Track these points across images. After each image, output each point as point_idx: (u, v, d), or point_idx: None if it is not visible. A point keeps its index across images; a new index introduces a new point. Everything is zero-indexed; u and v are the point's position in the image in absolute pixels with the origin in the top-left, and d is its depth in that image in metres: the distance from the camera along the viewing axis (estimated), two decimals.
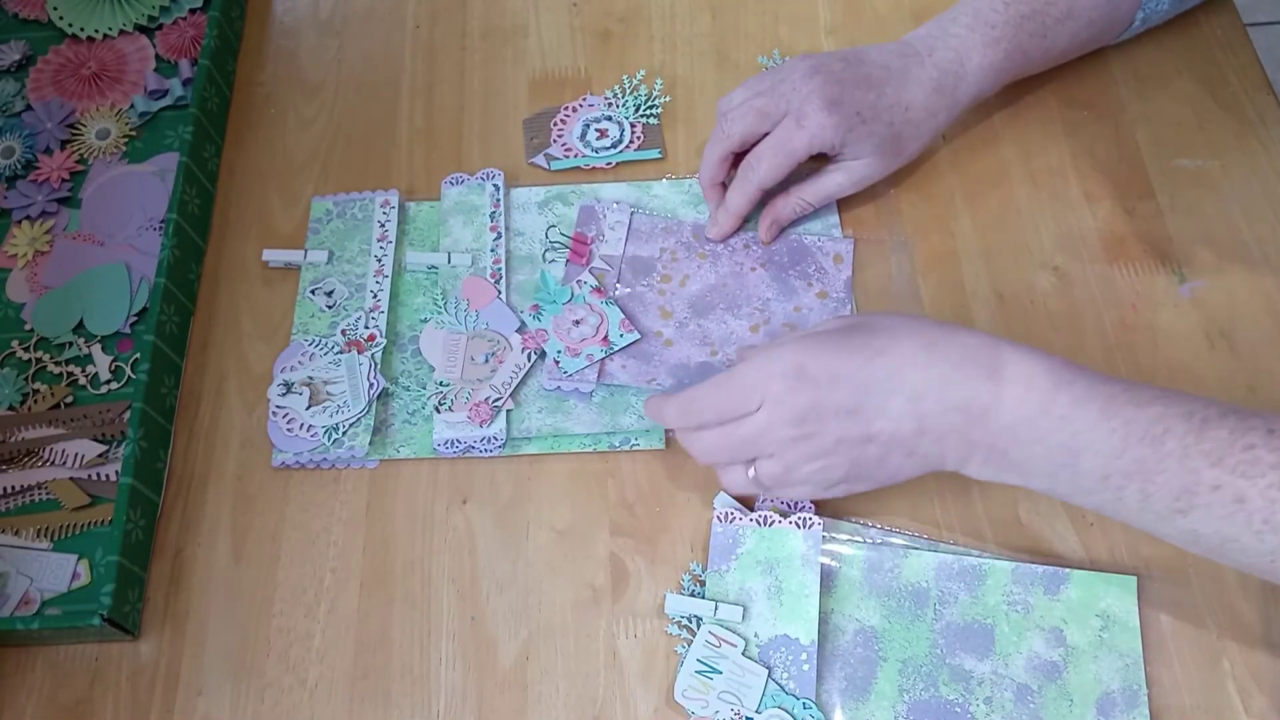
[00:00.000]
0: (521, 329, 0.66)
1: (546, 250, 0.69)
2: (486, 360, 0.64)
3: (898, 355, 0.51)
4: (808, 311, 0.66)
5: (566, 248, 0.69)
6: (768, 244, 0.68)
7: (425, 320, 0.67)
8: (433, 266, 0.69)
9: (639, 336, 0.65)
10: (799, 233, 0.69)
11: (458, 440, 0.62)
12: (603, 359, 0.64)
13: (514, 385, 0.64)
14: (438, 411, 0.63)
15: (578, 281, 0.67)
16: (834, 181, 0.66)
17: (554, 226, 0.70)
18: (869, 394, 0.51)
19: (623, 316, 0.65)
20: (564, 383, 0.64)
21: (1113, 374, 0.62)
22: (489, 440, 0.62)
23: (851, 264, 0.67)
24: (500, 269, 0.68)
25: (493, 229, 0.70)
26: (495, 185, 0.71)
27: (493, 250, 0.69)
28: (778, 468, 0.54)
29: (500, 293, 0.67)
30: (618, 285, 0.68)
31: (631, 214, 0.69)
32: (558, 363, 0.64)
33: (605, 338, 0.65)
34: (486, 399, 0.63)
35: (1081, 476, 0.49)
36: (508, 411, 0.63)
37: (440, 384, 0.64)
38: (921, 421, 0.51)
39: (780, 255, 0.68)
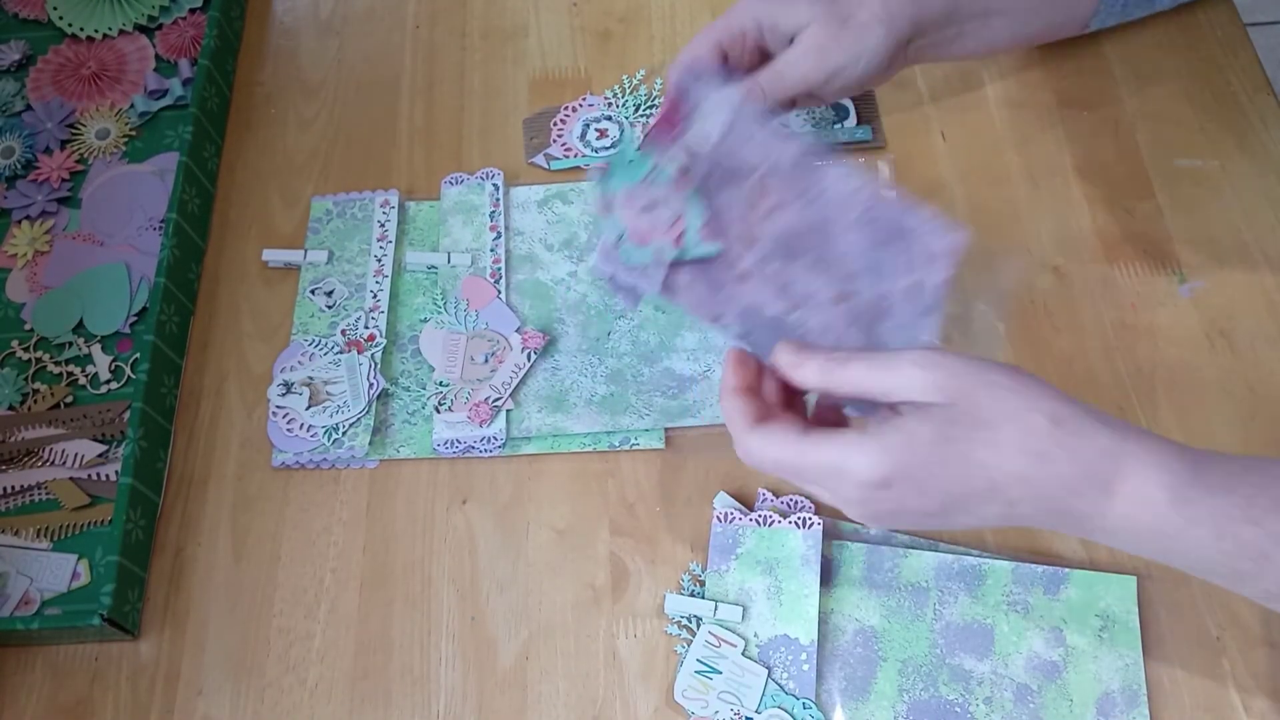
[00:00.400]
0: (521, 328, 0.66)
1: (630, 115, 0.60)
2: (486, 360, 0.64)
3: (1001, 472, 0.45)
4: (892, 308, 0.52)
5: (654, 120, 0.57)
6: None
7: (425, 320, 0.67)
8: (432, 266, 0.69)
9: (720, 249, 0.52)
10: (904, 208, 0.53)
11: (457, 440, 0.62)
12: (672, 263, 0.52)
13: (514, 385, 0.64)
14: (437, 411, 0.63)
15: (655, 169, 0.54)
16: (785, 61, 0.59)
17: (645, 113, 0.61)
18: (957, 505, 0.46)
19: (708, 218, 0.52)
20: (620, 273, 0.52)
21: (1113, 374, 0.63)
22: (489, 440, 0.62)
23: (951, 263, 0.52)
24: (500, 269, 0.68)
25: (492, 229, 0.70)
26: (495, 185, 0.71)
27: (492, 250, 0.69)
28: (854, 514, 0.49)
29: (500, 293, 0.67)
30: (701, 184, 0.53)
31: (740, 104, 0.55)
32: (619, 246, 0.52)
33: (680, 236, 0.52)
34: (486, 399, 0.63)
35: (1189, 570, 0.47)
36: (507, 411, 0.63)
37: (440, 384, 0.64)
38: (1010, 520, 0.47)
39: (883, 222, 0.53)
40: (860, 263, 0.53)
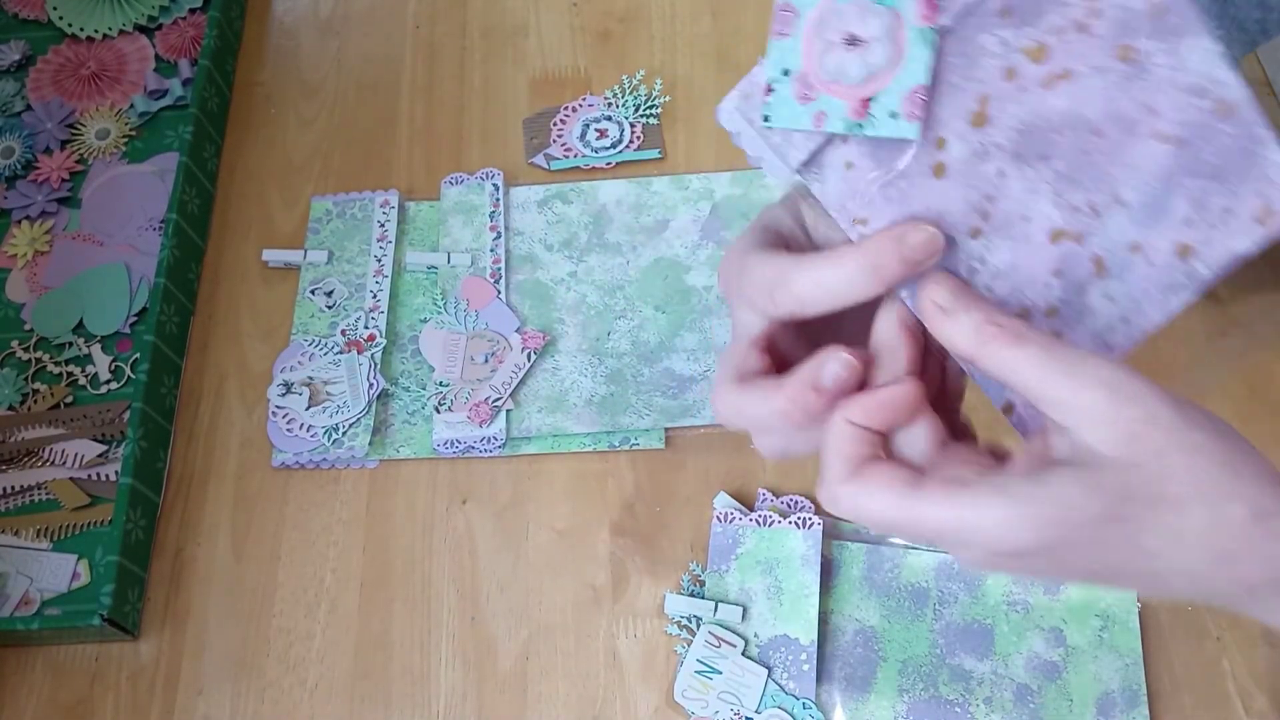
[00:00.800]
0: (521, 329, 0.65)
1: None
2: (486, 360, 0.64)
3: (1169, 565, 0.34)
4: (1130, 268, 0.37)
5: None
6: None
7: (425, 320, 0.67)
8: (432, 267, 0.69)
9: (918, 132, 0.35)
10: (1265, 137, 0.35)
11: (457, 440, 0.62)
12: (834, 136, 0.35)
13: (514, 385, 0.64)
14: (437, 412, 0.63)
15: None
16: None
17: None
18: (1098, 579, 0.36)
19: (930, 74, 0.34)
20: (749, 131, 0.36)
21: None
22: (489, 440, 0.62)
23: (1269, 234, 0.39)
24: (500, 269, 0.68)
25: (492, 229, 0.70)
26: (495, 185, 0.71)
27: (492, 250, 0.69)
28: None
29: (500, 293, 0.67)
30: (949, 20, 0.34)
31: None
32: (771, 92, 0.35)
33: (872, 100, 0.34)
34: (486, 399, 0.63)
35: None
36: (507, 411, 0.63)
37: (440, 384, 0.64)
38: (1180, 596, 0.37)
39: (1219, 146, 0.35)
40: (1141, 191, 0.36)
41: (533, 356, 0.65)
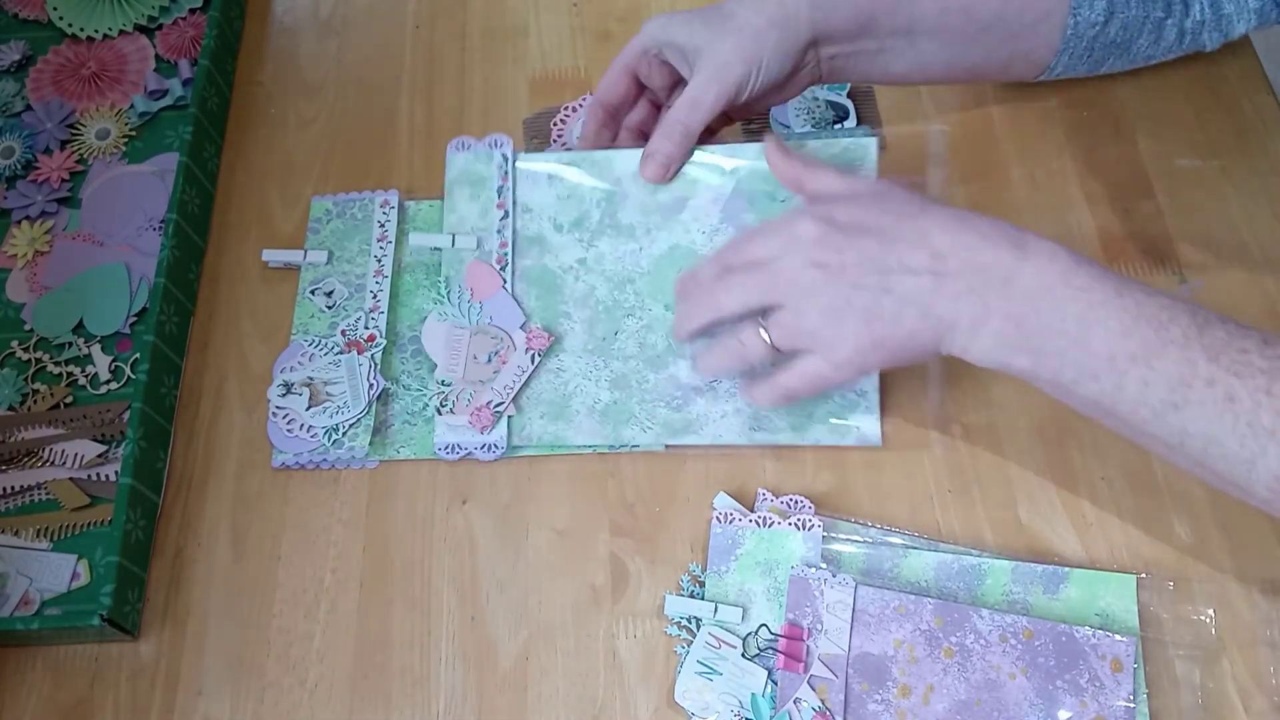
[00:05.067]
0: (526, 325, 0.64)
1: (750, 637, 0.57)
2: (489, 360, 0.64)
3: (927, 220, 0.52)
4: None
5: (774, 647, 0.56)
6: (651, 179, 0.63)
7: (428, 311, 0.66)
8: (436, 248, 0.68)
9: None
10: (1071, 625, 0.55)
11: (459, 445, 0.62)
12: None
13: (516, 389, 0.63)
14: (439, 413, 0.63)
15: (796, 701, 0.54)
16: (695, 87, 0.59)
17: (764, 624, 0.57)
18: (894, 245, 0.52)
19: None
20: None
21: None
22: (489, 448, 0.62)
23: (1133, 676, 0.54)
24: (506, 254, 0.66)
25: (500, 206, 0.67)
26: (504, 155, 0.68)
27: (499, 232, 0.66)
28: (789, 317, 0.53)
29: (505, 282, 0.65)
30: (845, 709, 0.54)
31: (856, 587, 0.56)
32: None
33: None
34: (489, 403, 0.63)
35: (1090, 357, 0.49)
36: (509, 418, 0.63)
37: (443, 383, 0.64)
38: (941, 279, 0.51)
39: (1045, 655, 0.54)
40: (1036, 712, 0.53)
41: (536, 359, 0.64)
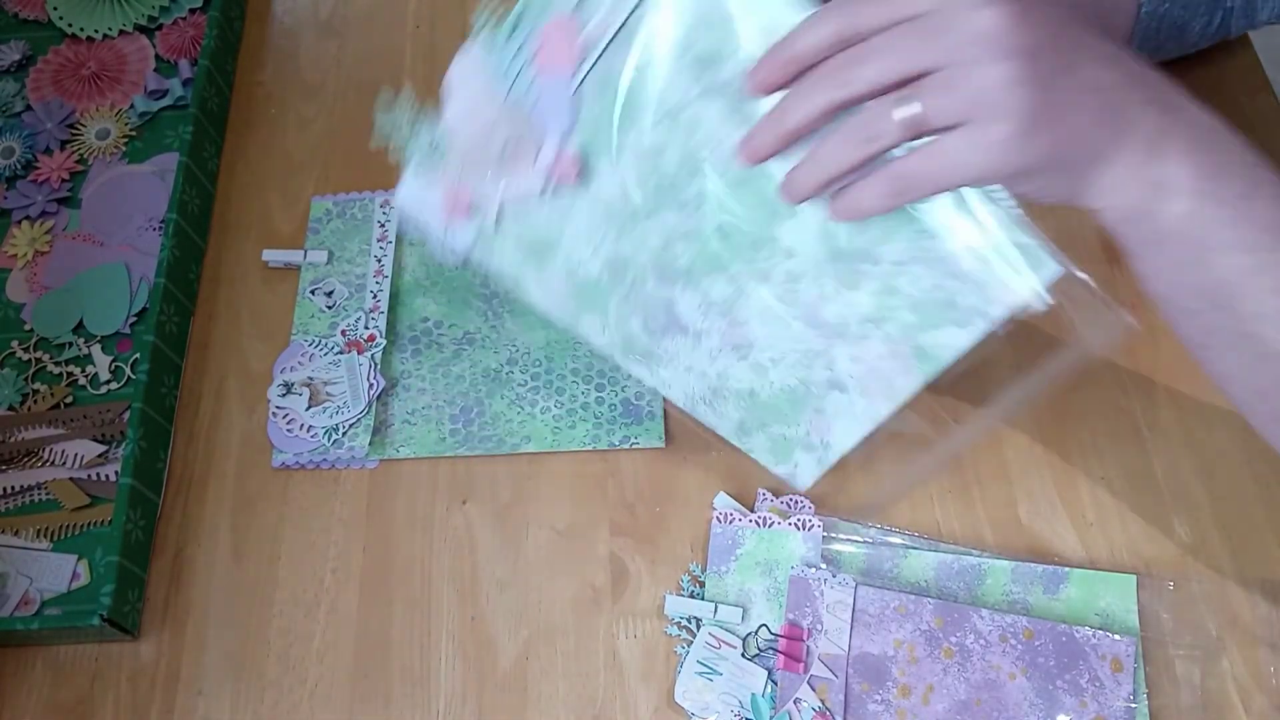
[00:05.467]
0: (566, 141, 0.49)
1: (750, 637, 0.56)
2: (501, 150, 0.51)
3: (1096, 35, 0.44)
4: None
5: (774, 647, 0.56)
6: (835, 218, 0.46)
7: (477, 38, 0.50)
8: None
9: None
10: (1071, 625, 0.55)
11: (417, 219, 0.53)
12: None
13: (507, 204, 0.52)
14: (415, 165, 0.52)
15: (796, 701, 0.54)
16: (956, 161, 0.43)
17: (764, 625, 0.56)
18: (1082, 35, 0.43)
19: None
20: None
21: (1113, 373, 0.63)
22: (446, 248, 0.53)
23: (1133, 676, 0.54)
24: (604, 36, 0.47)
25: None
26: None
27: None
28: (954, 75, 0.41)
29: (579, 73, 0.48)
30: (845, 709, 0.54)
31: (856, 587, 0.56)
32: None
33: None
34: (472, 195, 0.52)
35: (1249, 222, 0.44)
36: (481, 228, 0.53)
37: (439, 140, 0.52)
38: (1131, 80, 0.44)
39: (1045, 655, 0.54)
40: (1036, 712, 0.52)
41: (550, 188, 0.51)
